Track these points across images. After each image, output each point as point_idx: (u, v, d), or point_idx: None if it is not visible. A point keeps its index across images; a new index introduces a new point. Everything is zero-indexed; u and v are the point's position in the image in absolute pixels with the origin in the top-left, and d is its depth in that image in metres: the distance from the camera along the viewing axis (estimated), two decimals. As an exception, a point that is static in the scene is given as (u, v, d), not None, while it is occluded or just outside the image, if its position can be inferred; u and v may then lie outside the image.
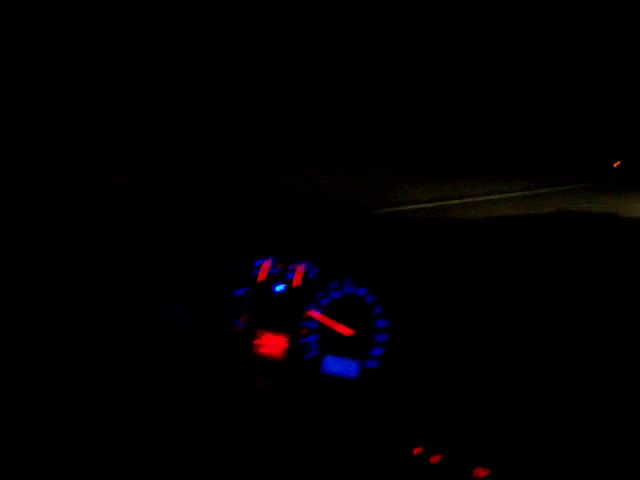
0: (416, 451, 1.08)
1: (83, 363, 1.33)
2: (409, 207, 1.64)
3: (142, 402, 1.27)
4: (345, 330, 1.29)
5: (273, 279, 1.37)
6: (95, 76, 1.48)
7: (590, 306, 1.12)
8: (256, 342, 1.35)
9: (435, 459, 1.06)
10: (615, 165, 1.70)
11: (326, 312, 1.31)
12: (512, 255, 1.24)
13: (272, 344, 1.34)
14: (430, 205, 1.68)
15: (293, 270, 1.36)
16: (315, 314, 1.32)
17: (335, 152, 1.69)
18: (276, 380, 1.31)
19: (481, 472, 1.03)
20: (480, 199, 1.80)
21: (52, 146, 1.44)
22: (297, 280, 1.35)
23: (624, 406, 1.02)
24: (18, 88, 1.42)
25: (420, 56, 1.64)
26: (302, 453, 1.15)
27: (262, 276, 1.37)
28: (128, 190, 1.44)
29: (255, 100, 1.59)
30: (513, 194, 1.80)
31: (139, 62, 1.49)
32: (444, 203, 1.71)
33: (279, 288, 1.36)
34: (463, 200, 1.73)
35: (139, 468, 1.18)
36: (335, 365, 1.28)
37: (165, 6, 1.49)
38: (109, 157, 1.49)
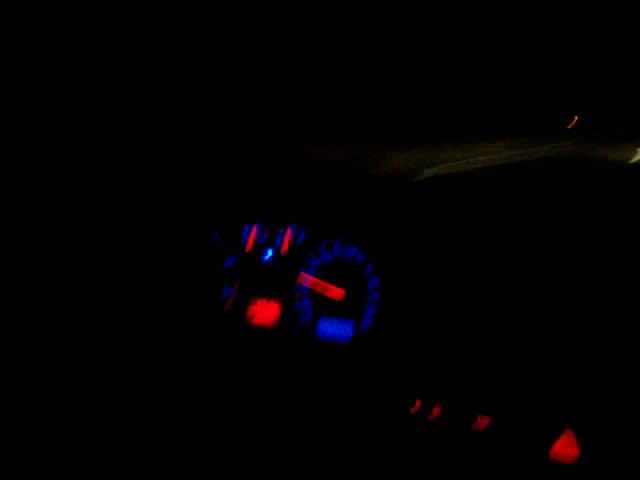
0: (414, 409, 1.06)
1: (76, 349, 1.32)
2: (399, 171, 1.60)
3: (138, 385, 1.26)
4: (336, 292, 1.26)
5: (261, 245, 1.35)
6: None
7: (578, 263, 1.09)
8: (248, 312, 1.33)
9: (433, 415, 1.04)
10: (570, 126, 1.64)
11: (317, 275, 1.29)
12: (502, 214, 1.22)
13: (265, 312, 1.32)
14: (420, 167, 1.65)
15: (281, 235, 1.33)
16: (306, 278, 1.29)
17: (323, 123, 1.67)
18: (271, 349, 1.29)
19: (480, 425, 1.00)
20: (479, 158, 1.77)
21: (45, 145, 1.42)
22: (286, 244, 1.32)
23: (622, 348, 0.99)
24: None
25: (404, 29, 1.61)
26: (301, 418, 1.13)
27: (250, 243, 1.35)
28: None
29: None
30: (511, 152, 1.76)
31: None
32: (435, 167, 1.69)
33: (268, 254, 1.34)
34: (455, 163, 1.70)
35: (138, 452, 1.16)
36: (329, 327, 1.26)
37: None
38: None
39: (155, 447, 1.17)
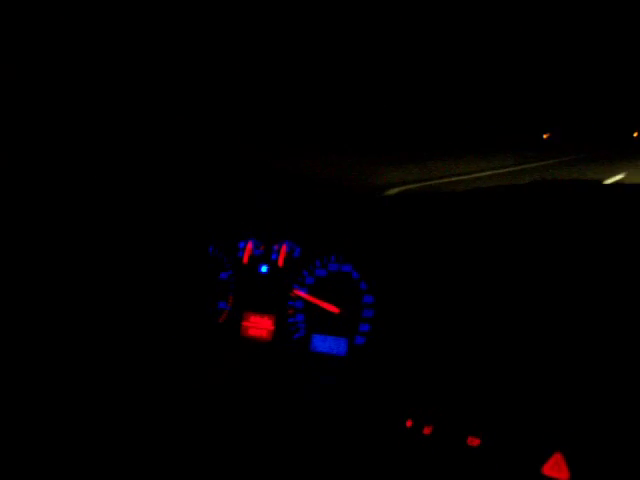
0: (409, 423, 1.07)
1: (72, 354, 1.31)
2: (395, 188, 1.63)
3: (134, 392, 1.26)
4: (331, 308, 1.28)
5: (257, 260, 1.36)
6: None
7: (573, 277, 1.11)
8: (243, 325, 1.34)
9: (428, 430, 1.05)
10: (545, 137, 1.66)
11: (312, 291, 1.30)
12: (497, 231, 1.24)
13: (259, 326, 1.33)
14: (416, 185, 1.67)
15: (277, 250, 1.34)
16: (301, 293, 1.30)
17: (318, 135, 1.68)
18: (264, 362, 1.30)
19: (474, 440, 1.02)
20: (465, 177, 1.80)
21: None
22: (281, 260, 1.33)
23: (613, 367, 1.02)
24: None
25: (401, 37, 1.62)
26: (295, 431, 1.14)
27: (246, 258, 1.36)
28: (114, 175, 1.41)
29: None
30: (498, 170, 1.79)
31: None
32: (429, 183, 1.71)
33: (263, 269, 1.35)
34: (448, 179, 1.73)
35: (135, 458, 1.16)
36: (323, 343, 1.27)
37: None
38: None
39: (148, 456, 1.17)
